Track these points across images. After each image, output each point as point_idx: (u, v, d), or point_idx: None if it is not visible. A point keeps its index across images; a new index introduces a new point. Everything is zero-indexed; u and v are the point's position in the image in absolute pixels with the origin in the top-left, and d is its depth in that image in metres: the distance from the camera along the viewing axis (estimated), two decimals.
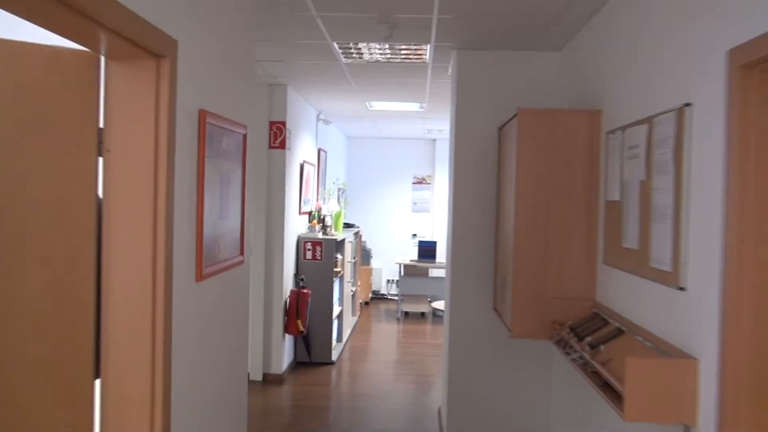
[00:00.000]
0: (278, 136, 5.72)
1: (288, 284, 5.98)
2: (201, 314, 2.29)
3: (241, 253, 2.77)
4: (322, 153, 7.70)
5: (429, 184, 10.52)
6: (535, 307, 3.16)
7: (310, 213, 6.86)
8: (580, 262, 3.15)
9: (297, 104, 6.25)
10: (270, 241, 5.75)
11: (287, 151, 5.80)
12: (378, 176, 10.57)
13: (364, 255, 9.76)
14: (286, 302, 5.89)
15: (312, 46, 4.25)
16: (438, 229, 10.39)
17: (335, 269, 6.61)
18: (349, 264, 7.64)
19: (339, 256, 6.95)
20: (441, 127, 8.68)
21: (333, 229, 6.91)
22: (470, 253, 4.21)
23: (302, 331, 5.81)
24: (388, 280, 10.61)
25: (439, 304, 6.68)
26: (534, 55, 4.15)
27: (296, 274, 6.25)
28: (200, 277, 2.19)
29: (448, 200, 4.65)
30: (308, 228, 6.61)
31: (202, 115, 2.19)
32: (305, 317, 5.84)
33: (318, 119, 7.43)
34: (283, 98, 5.74)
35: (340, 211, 7.24)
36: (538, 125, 3.17)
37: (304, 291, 5.87)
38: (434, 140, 10.43)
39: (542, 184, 3.16)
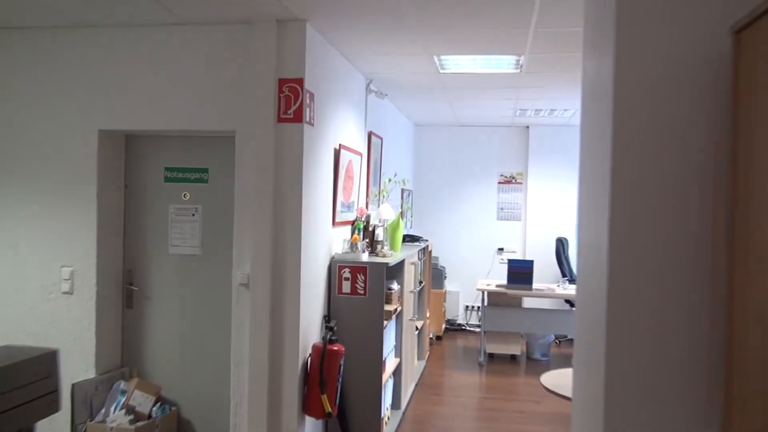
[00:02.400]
0: (292, 102, 3.62)
1: (311, 336, 3.86)
2: None
3: None
4: (374, 139, 5.56)
5: (519, 183, 8.18)
6: None
7: (353, 223, 4.73)
8: None
9: (328, 58, 4.14)
10: (279, 267, 3.65)
11: (307, 127, 3.69)
12: (453, 174, 8.33)
13: (435, 275, 7.54)
14: (306, 364, 3.77)
15: None
16: (532, 242, 8.01)
17: (388, 307, 4.44)
18: (412, 295, 5.45)
19: (395, 287, 4.77)
20: (540, 104, 6.33)
21: (387, 247, 4.74)
22: (650, 304, 1.92)
23: (330, 414, 3.66)
24: (467, 307, 8.33)
25: (554, 381, 4.18)
26: None
27: (326, 318, 4.12)
28: None
29: (597, 198, 2.39)
30: (347, 245, 4.46)
31: None
32: (335, 390, 3.69)
33: (368, 90, 5.30)
34: (300, 43, 3.63)
35: (398, 220, 5.06)
36: None
37: (334, 348, 3.72)
38: (527, 127, 8.08)
39: None
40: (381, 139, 5.87)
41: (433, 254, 7.76)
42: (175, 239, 3.99)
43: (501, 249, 8.20)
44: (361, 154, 4.99)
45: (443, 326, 7.84)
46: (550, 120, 7.47)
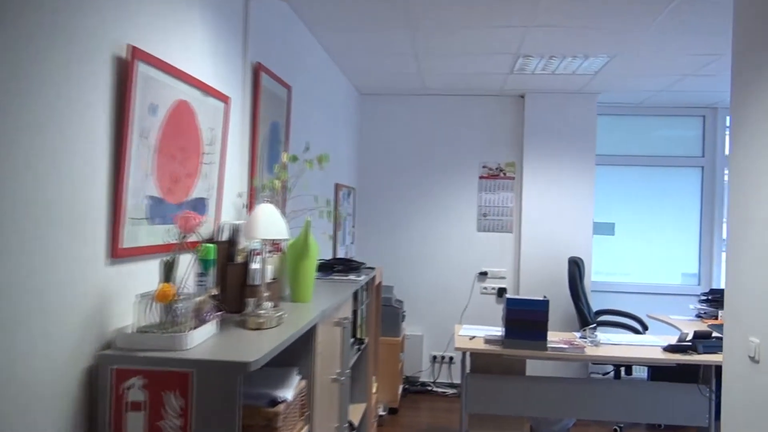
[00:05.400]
0: None
1: None
2: None
3: None
4: (268, 82, 2.94)
5: (511, 179, 5.67)
6: None
7: (194, 247, 2.07)
8: None
9: None
10: None
11: None
12: (415, 165, 5.77)
13: (387, 316, 4.96)
14: None
15: None
16: (530, 264, 5.52)
17: None
18: (337, 385, 2.80)
19: (287, 393, 2.10)
20: (563, 43, 3.80)
21: (273, 303, 2.12)
22: None
23: None
24: (435, 358, 5.77)
25: None
26: None
27: None
28: None
29: None
30: (152, 310, 1.78)
31: None
32: None
33: None
34: None
35: (306, 237, 2.44)
36: None
37: None
38: (522, 96, 5.58)
39: None
40: (288, 88, 3.25)
41: (384, 284, 5.18)
42: None
43: (484, 274, 5.67)
44: (226, 100, 2.35)
45: (400, 390, 5.26)
46: (562, 82, 4.98)
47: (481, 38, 3.82)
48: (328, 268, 3.53)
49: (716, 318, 4.84)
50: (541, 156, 5.48)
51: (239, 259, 2.20)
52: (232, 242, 2.21)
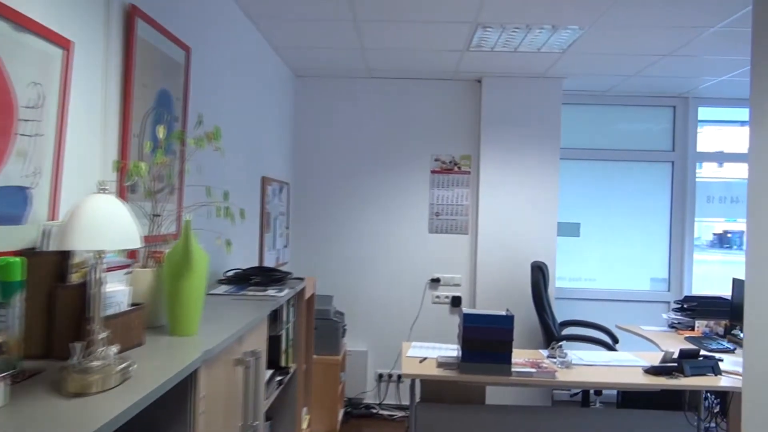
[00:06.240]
0: None
1: None
2: None
3: None
4: (148, 33, 2.20)
5: (467, 173, 5.05)
6: None
7: None
8: None
9: None
10: None
11: None
12: (357, 159, 5.08)
13: (324, 332, 4.27)
14: None
15: None
16: (488, 269, 4.91)
17: None
18: None
19: None
20: (528, 9, 3.17)
21: (113, 347, 1.39)
22: None
23: None
24: (381, 376, 5.10)
25: None
26: None
27: None
28: None
29: None
30: None
31: None
32: None
33: None
34: None
35: (187, 243, 1.72)
36: None
37: None
38: (479, 81, 4.96)
39: None
40: (186, 50, 2.51)
41: (322, 294, 4.47)
42: None
43: (436, 280, 5.03)
44: (65, 45, 1.61)
45: (341, 414, 4.57)
46: (524, 64, 4.39)
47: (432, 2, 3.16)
48: (243, 280, 2.82)
49: (693, 329, 4.34)
50: (499, 148, 4.88)
51: (75, 278, 1.47)
52: (65, 254, 1.48)
